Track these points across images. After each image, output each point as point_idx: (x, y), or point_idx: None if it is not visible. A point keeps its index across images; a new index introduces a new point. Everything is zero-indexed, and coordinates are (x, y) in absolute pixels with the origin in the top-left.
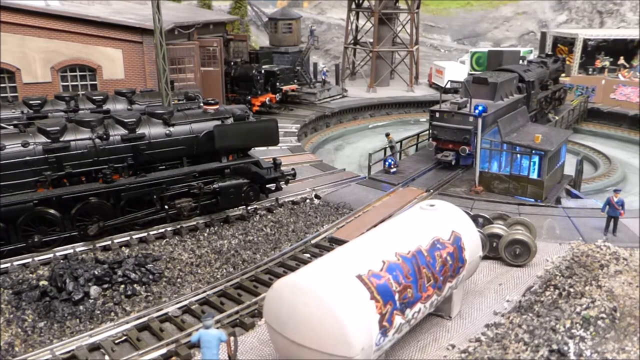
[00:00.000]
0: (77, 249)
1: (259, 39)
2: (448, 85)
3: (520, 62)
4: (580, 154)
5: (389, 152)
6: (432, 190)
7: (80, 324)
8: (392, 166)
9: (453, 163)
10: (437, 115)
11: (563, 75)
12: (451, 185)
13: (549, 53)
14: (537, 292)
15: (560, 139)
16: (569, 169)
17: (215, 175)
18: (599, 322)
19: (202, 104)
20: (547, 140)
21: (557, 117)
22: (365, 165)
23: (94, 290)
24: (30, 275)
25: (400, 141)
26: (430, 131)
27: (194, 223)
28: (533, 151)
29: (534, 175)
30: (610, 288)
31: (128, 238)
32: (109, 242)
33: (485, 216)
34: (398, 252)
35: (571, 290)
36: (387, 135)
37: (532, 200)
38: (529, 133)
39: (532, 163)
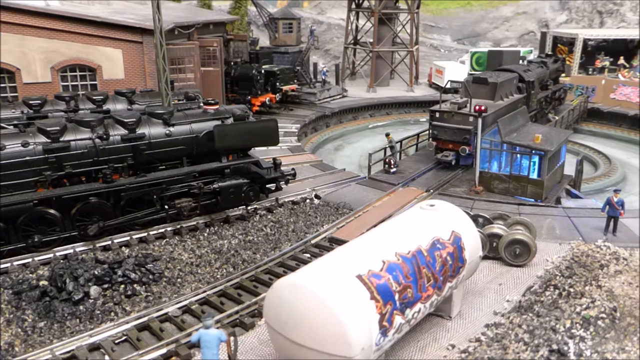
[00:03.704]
0: (77, 249)
1: (260, 39)
2: (448, 85)
3: (520, 62)
4: (580, 154)
5: (389, 152)
6: (432, 190)
7: (80, 324)
8: (392, 165)
9: (453, 163)
10: (437, 115)
11: (563, 75)
12: (451, 185)
13: (549, 53)
14: (537, 292)
15: (560, 139)
16: (569, 169)
17: (215, 175)
18: (599, 322)
19: (202, 104)
20: (547, 140)
21: (557, 117)
22: (365, 165)
23: (94, 290)
24: (30, 275)
25: (400, 141)
26: (430, 131)
27: (194, 223)
28: (533, 151)
29: (534, 175)
30: (610, 288)
31: (128, 238)
32: (109, 242)
33: (485, 216)
34: (398, 252)
35: (571, 290)
36: (387, 135)
37: (532, 200)
38: (529, 133)
39: (532, 163)
